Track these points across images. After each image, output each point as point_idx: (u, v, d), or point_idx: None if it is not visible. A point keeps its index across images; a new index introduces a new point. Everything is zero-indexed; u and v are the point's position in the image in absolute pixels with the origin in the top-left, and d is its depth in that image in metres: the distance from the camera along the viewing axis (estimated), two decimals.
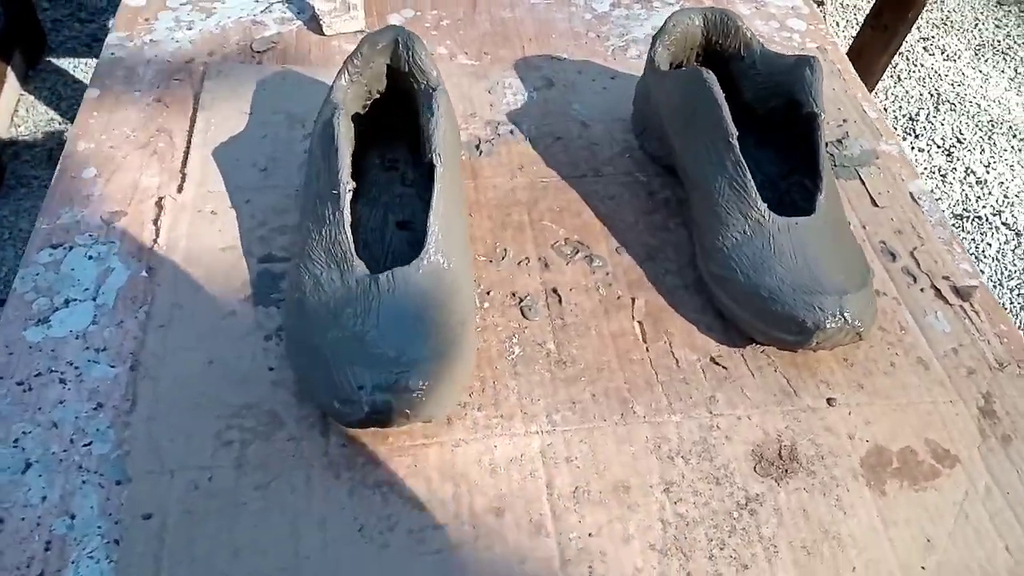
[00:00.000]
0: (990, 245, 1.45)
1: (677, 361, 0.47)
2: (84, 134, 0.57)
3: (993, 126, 1.69)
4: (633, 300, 0.50)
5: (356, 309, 0.41)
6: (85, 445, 0.41)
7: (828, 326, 0.43)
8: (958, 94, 1.76)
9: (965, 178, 1.58)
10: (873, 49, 1.25)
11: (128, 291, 0.48)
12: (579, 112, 0.63)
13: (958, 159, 1.61)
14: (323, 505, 0.39)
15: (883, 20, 1.21)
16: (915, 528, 0.41)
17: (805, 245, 0.46)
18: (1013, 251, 1.44)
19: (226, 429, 0.42)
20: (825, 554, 0.40)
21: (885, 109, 1.71)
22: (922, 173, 1.57)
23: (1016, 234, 1.46)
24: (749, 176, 0.47)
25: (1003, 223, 1.48)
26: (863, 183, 0.59)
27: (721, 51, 0.56)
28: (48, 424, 0.42)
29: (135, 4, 0.67)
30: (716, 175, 0.48)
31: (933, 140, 1.65)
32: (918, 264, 0.54)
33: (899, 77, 1.80)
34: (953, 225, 1.49)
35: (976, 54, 1.88)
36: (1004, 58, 1.88)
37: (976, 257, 1.42)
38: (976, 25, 1.96)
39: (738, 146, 0.47)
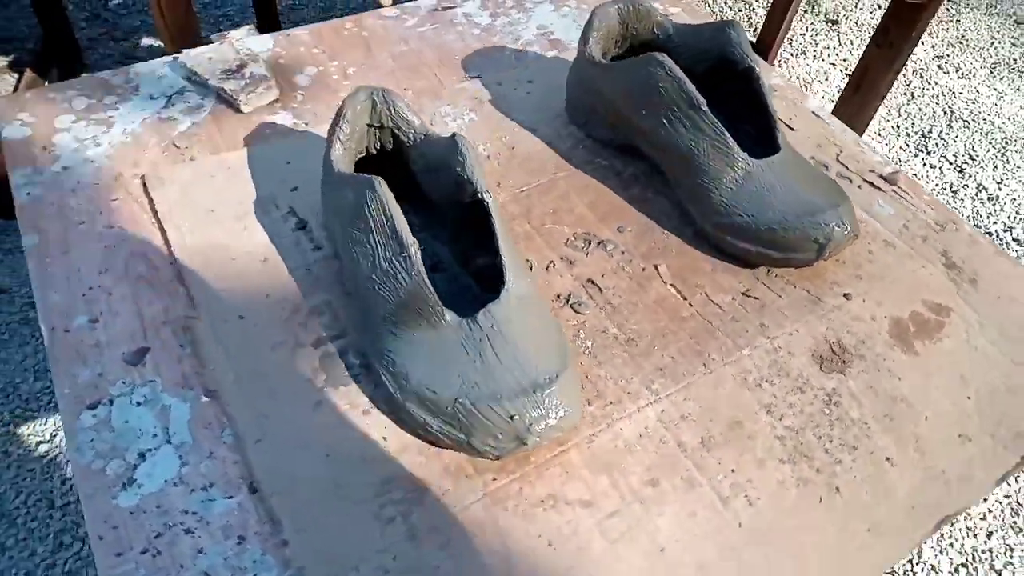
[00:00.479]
0: None
1: (719, 305, 0.53)
2: (47, 284, 0.52)
3: (1007, 143, 1.71)
4: (656, 268, 0.55)
5: (469, 354, 0.43)
6: None
7: (836, 236, 0.51)
8: (972, 111, 1.77)
9: (977, 194, 1.59)
10: (879, 66, 1.26)
11: (200, 421, 0.46)
12: (519, 119, 0.67)
13: (970, 176, 1.62)
14: (508, 538, 0.41)
15: (889, 38, 1.22)
16: (948, 371, 0.51)
17: (787, 177, 0.53)
18: None
19: (380, 508, 0.42)
20: (902, 415, 0.48)
21: (897, 126, 1.73)
22: (933, 189, 1.58)
23: None
24: (728, 134, 0.53)
25: (1014, 239, 1.51)
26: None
27: (637, 35, 0.63)
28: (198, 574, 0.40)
29: (19, 136, 0.62)
30: (696, 140, 0.54)
31: (945, 157, 1.64)
32: (847, 167, 0.64)
33: (912, 94, 1.80)
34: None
35: (991, 72, 1.90)
36: (1020, 76, 1.90)
37: None
38: (992, 44, 1.98)
39: (709, 111, 0.54)
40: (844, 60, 1.91)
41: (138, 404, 0.46)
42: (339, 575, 0.40)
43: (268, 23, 1.79)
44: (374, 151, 0.54)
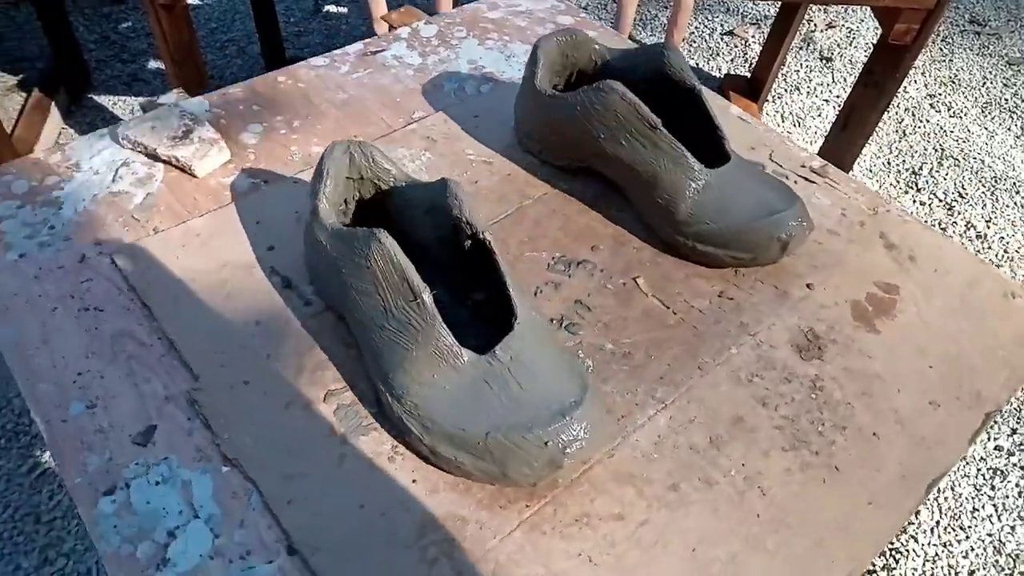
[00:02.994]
0: None
1: (700, 310, 0.57)
2: (34, 376, 0.51)
3: (996, 182, 1.73)
4: (636, 280, 0.59)
5: (493, 388, 0.44)
6: None
7: (796, 232, 0.55)
8: (962, 150, 1.79)
9: (965, 232, 1.60)
10: (865, 105, 1.30)
11: (224, 490, 0.46)
12: (473, 154, 0.69)
13: (959, 213, 1.64)
14: (549, 559, 0.43)
15: (874, 78, 1.26)
16: (909, 343, 0.56)
17: (741, 183, 0.58)
18: None
19: (423, 551, 0.43)
20: (878, 391, 0.53)
21: (888, 163, 1.76)
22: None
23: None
24: (686, 150, 0.57)
25: None
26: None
27: (575, 62, 0.66)
28: None
29: None
30: (656, 158, 0.58)
31: (935, 194, 1.65)
32: (781, 165, 0.70)
33: (904, 132, 1.82)
34: None
35: (983, 112, 1.92)
36: (1011, 116, 1.92)
37: None
38: (984, 84, 2.02)
39: (666, 131, 0.57)
40: (837, 97, 1.95)
41: (157, 483, 0.46)
42: None
43: (273, 49, 1.81)
44: (352, 202, 0.55)
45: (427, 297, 0.45)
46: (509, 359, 0.45)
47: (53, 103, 1.68)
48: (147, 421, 0.49)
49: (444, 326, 0.45)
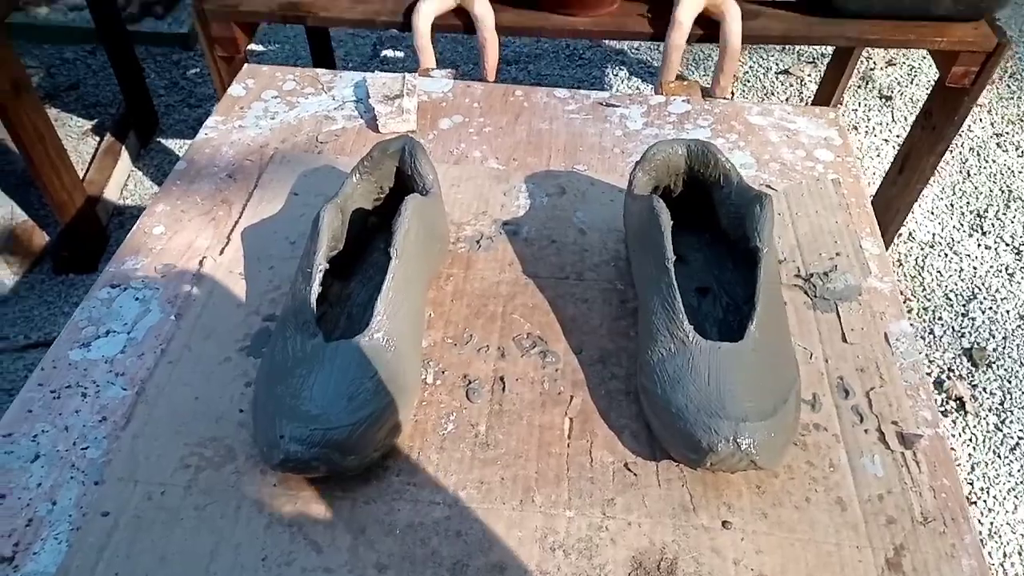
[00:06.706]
0: None
1: (592, 461, 0.51)
2: (165, 198, 0.70)
3: None
4: (571, 398, 0.54)
5: (304, 370, 0.48)
6: (83, 449, 0.51)
7: (720, 449, 0.45)
8: None
9: None
10: (922, 148, 1.27)
11: (156, 330, 0.58)
12: (580, 220, 0.68)
13: None
14: (242, 533, 0.46)
15: (932, 121, 1.23)
16: None
17: (722, 370, 0.49)
18: None
19: (189, 455, 0.50)
20: None
21: (952, 205, 1.70)
22: (988, 271, 1.54)
23: None
24: (679, 297, 0.50)
25: None
26: (839, 318, 0.60)
27: (703, 179, 0.61)
28: (62, 427, 0.52)
29: (236, 94, 0.82)
30: (654, 294, 0.52)
31: (1002, 237, 1.61)
32: (870, 404, 0.55)
33: (968, 172, 1.77)
34: (1019, 327, 1.41)
35: None
36: None
37: None
38: None
39: (672, 270, 0.51)
40: (897, 136, 1.87)
41: (136, 299, 0.60)
42: (123, 479, 0.49)
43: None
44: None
45: (315, 270, 0.50)
46: (331, 357, 0.48)
47: (124, 147, 1.70)
48: (176, 260, 0.64)
49: (313, 302, 0.50)
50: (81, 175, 1.49)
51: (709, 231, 0.62)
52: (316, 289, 0.51)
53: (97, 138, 1.70)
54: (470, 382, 0.55)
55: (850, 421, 0.54)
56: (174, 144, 1.81)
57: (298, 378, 0.48)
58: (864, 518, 0.48)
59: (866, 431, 0.53)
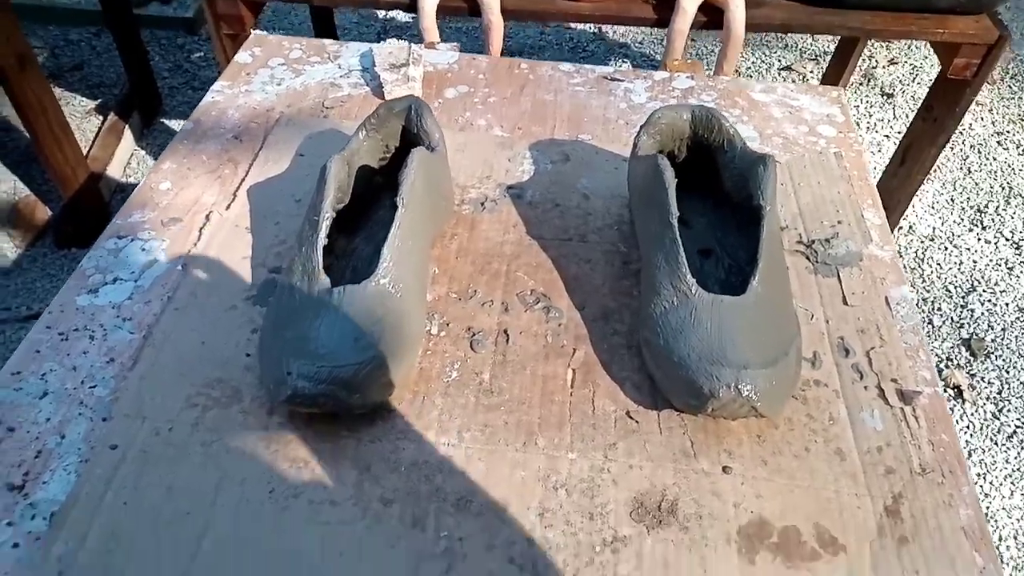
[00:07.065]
0: None
1: (594, 409, 0.51)
2: (171, 156, 0.70)
3: None
4: (574, 351, 0.55)
5: (312, 313, 0.49)
6: (91, 387, 0.51)
7: (721, 395, 0.46)
8: None
9: None
10: (923, 141, 1.28)
11: (163, 279, 0.59)
12: (584, 186, 0.69)
13: None
14: (248, 468, 0.47)
15: (933, 113, 1.24)
16: None
17: (723, 321, 0.49)
18: None
19: (196, 395, 0.51)
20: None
21: (952, 200, 1.72)
22: (987, 265, 1.57)
23: None
24: (682, 252, 0.51)
25: None
26: (840, 282, 0.61)
27: (707, 144, 0.62)
28: (70, 367, 0.52)
29: (243, 61, 0.82)
30: (657, 250, 0.53)
31: (1001, 232, 1.64)
32: (870, 363, 0.55)
33: (969, 169, 1.79)
34: (1018, 319, 1.42)
35: None
36: None
37: None
38: None
39: (676, 225, 0.52)
40: (898, 133, 1.88)
41: (143, 250, 0.61)
42: (130, 416, 0.49)
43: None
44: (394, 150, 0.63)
45: (322, 219, 0.51)
46: (337, 302, 0.49)
47: (127, 126, 1.73)
48: (183, 215, 0.64)
49: (319, 250, 0.51)
50: (84, 152, 1.50)
51: (712, 196, 0.63)
52: (323, 237, 0.51)
53: (100, 117, 1.72)
54: (474, 334, 0.56)
55: (850, 378, 0.54)
56: (177, 125, 1.82)
57: (306, 320, 0.49)
58: (863, 468, 0.49)
59: (866, 388, 0.54)
